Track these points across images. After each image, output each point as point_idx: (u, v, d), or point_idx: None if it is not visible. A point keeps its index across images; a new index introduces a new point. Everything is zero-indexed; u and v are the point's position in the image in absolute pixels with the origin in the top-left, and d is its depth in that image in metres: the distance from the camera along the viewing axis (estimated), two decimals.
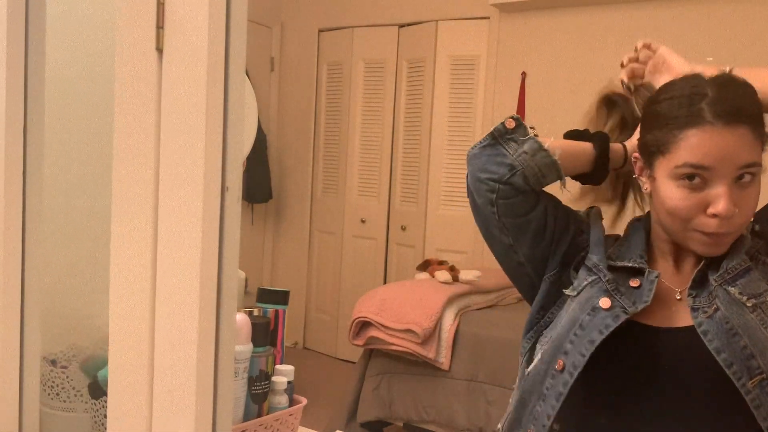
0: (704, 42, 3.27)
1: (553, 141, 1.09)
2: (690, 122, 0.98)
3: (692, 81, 1.02)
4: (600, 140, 1.13)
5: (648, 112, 1.07)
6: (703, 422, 0.99)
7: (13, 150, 0.88)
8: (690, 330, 1.00)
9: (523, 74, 3.76)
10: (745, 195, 0.98)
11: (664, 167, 1.01)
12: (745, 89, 1.00)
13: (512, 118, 1.09)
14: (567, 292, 1.10)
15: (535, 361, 1.09)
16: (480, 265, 3.84)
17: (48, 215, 1.03)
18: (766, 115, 1.01)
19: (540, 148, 1.06)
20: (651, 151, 1.04)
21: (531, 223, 1.09)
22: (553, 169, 1.07)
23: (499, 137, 1.07)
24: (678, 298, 1.04)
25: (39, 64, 0.90)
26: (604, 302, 1.02)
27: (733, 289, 0.99)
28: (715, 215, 0.96)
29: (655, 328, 1.03)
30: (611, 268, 1.07)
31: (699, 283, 1.03)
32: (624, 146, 1.15)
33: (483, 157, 1.08)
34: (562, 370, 1.02)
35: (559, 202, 1.15)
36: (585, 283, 1.07)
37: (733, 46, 3.21)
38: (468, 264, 3.87)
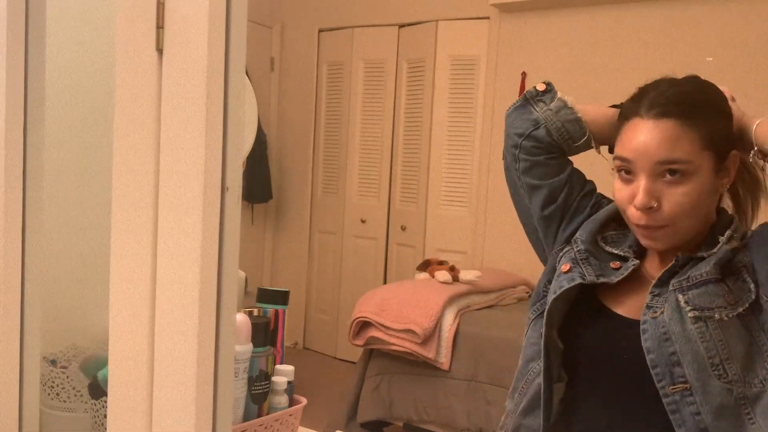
0: (704, 42, 3.27)
1: (581, 104, 1.17)
2: (628, 116, 1.04)
3: (660, 79, 1.06)
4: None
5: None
6: (626, 415, 1.02)
7: (13, 150, 0.88)
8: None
9: (523, 74, 3.76)
10: (672, 191, 0.98)
11: (613, 161, 1.07)
12: (698, 87, 1.02)
13: (544, 82, 1.19)
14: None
15: None
16: (480, 265, 3.84)
17: (48, 215, 1.03)
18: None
19: (564, 105, 1.16)
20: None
21: (544, 188, 1.16)
22: (577, 126, 1.14)
23: (530, 98, 1.18)
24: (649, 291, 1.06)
25: (39, 64, 0.90)
26: (564, 267, 1.10)
27: (681, 297, 0.99)
28: (636, 207, 1.00)
29: (621, 317, 1.06)
30: (600, 249, 1.11)
31: (664, 282, 1.04)
32: None
33: (513, 116, 1.19)
34: (541, 335, 1.09)
35: (590, 185, 1.19)
36: (562, 254, 1.14)
37: (733, 46, 3.21)
38: (468, 264, 3.87)
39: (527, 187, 1.17)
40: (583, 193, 1.17)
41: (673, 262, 1.04)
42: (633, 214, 1.01)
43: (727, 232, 1.03)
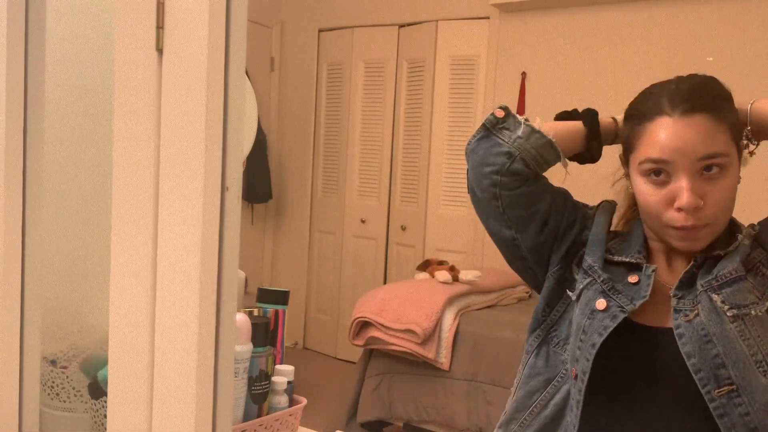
0: (704, 42, 3.27)
1: (544, 123, 1.10)
2: (649, 116, 1.00)
3: (665, 81, 1.04)
4: (589, 116, 1.13)
5: (626, 112, 1.09)
6: (671, 424, 0.99)
7: (13, 150, 0.88)
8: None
9: (523, 74, 3.76)
10: (713, 187, 0.97)
11: (633, 163, 1.03)
12: (707, 80, 1.02)
13: (501, 108, 1.10)
14: (570, 294, 1.10)
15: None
16: (480, 265, 3.84)
17: (48, 215, 1.03)
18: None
19: (533, 130, 1.08)
20: (625, 148, 1.07)
21: (536, 215, 1.09)
22: (550, 149, 1.08)
23: (491, 128, 1.09)
24: (671, 295, 1.04)
25: (39, 64, 0.90)
26: (600, 304, 1.02)
27: (716, 296, 0.97)
28: (680, 209, 0.97)
29: (647, 327, 1.03)
30: (610, 263, 1.07)
31: (686, 284, 1.02)
32: (615, 119, 1.14)
33: (480, 151, 1.09)
34: (576, 377, 1.03)
35: (568, 196, 1.15)
36: (581, 286, 1.07)
37: (733, 46, 3.21)
38: (468, 264, 3.87)
39: (516, 219, 1.09)
40: (569, 209, 1.12)
41: (692, 263, 1.02)
42: (674, 217, 0.98)
43: (746, 229, 1.03)
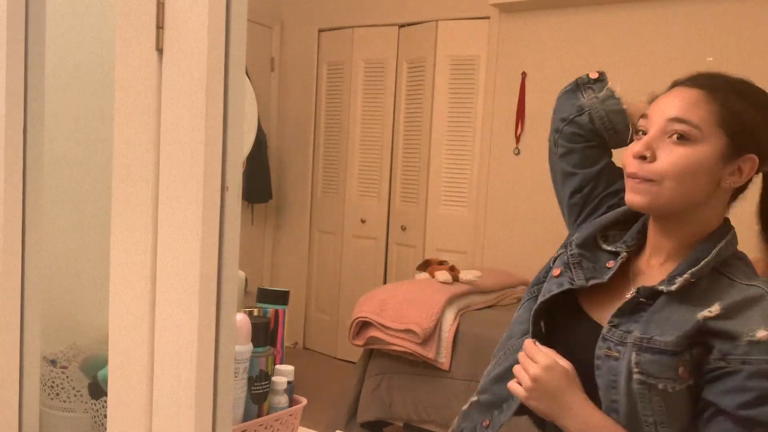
0: (704, 42, 3.27)
1: (628, 97, 1.17)
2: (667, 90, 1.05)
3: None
4: None
5: None
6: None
7: (13, 150, 0.88)
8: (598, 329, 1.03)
9: (523, 74, 3.76)
10: (670, 149, 0.97)
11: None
12: (746, 79, 1.02)
13: (598, 71, 1.21)
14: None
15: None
16: (480, 265, 3.84)
17: (48, 215, 1.03)
18: None
19: (611, 95, 1.16)
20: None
21: (575, 176, 1.18)
22: (621, 117, 1.15)
23: (580, 84, 1.20)
24: (628, 295, 1.02)
25: (39, 63, 0.90)
26: (556, 271, 1.11)
27: (635, 356, 0.95)
28: (634, 156, 1.00)
29: (594, 323, 1.06)
30: (598, 247, 1.11)
31: (624, 313, 1.00)
32: None
33: (562, 99, 1.22)
34: (528, 319, 1.13)
35: (619, 188, 1.14)
36: (556, 255, 1.15)
37: (733, 46, 3.21)
38: (468, 264, 3.87)
39: (561, 172, 1.19)
40: (608, 191, 1.17)
41: (634, 294, 1.00)
42: (628, 164, 1.01)
43: (705, 260, 0.97)
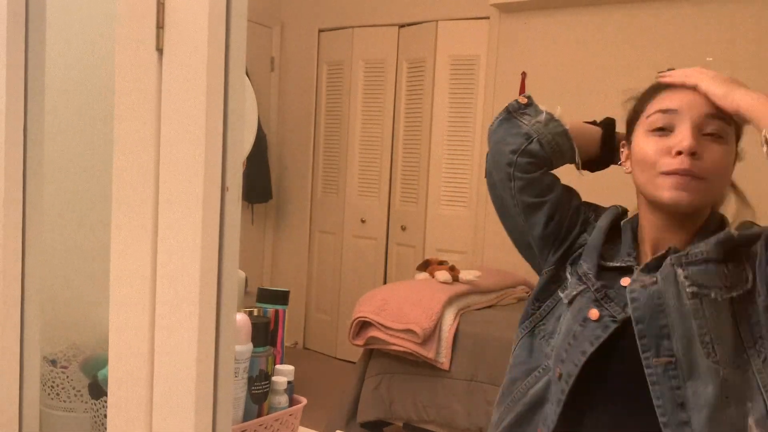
0: (704, 42, 3.27)
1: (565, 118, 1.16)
2: (662, 87, 1.05)
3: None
4: (606, 123, 1.18)
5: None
6: (637, 411, 1.00)
7: (13, 150, 0.88)
8: None
9: (523, 74, 3.76)
10: (712, 148, 0.98)
11: (640, 126, 1.05)
12: None
13: (525, 96, 1.17)
14: (561, 295, 1.12)
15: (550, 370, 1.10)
16: (480, 265, 3.84)
17: (48, 215, 1.03)
18: None
19: (552, 118, 1.13)
20: (631, 120, 1.09)
21: (544, 205, 1.13)
22: (566, 139, 1.13)
23: (513, 112, 1.15)
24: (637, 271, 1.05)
25: (39, 64, 0.90)
26: (593, 314, 1.04)
27: (681, 271, 0.98)
28: (679, 152, 0.98)
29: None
30: (603, 269, 1.08)
31: (652, 268, 1.02)
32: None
33: (501, 131, 1.15)
34: (560, 378, 1.05)
35: (575, 197, 1.17)
36: (575, 292, 1.09)
37: (732, 46, 3.21)
38: (468, 264, 3.87)
39: (524, 206, 1.13)
40: (573, 210, 1.15)
41: (665, 251, 1.03)
42: (669, 162, 0.98)
43: (733, 226, 1.04)
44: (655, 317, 0.97)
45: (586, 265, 1.09)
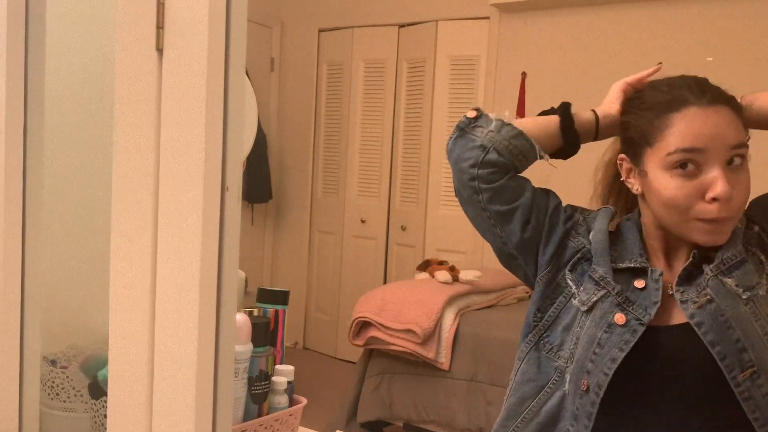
0: (704, 42, 3.27)
1: (517, 118, 1.13)
2: (674, 106, 0.98)
3: (668, 77, 1.05)
4: (561, 107, 1.15)
5: (629, 107, 1.08)
6: (700, 418, 0.98)
7: (13, 150, 0.88)
8: (685, 326, 0.99)
9: (523, 74, 3.76)
10: (739, 178, 0.97)
11: (654, 158, 1.00)
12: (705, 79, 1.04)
13: (473, 109, 1.14)
14: (576, 303, 1.07)
15: (566, 383, 1.06)
16: (480, 265, 3.84)
17: (48, 216, 1.03)
18: None
19: (504, 124, 1.10)
20: (637, 144, 1.03)
21: (516, 211, 1.10)
22: (523, 140, 1.09)
23: (464, 127, 1.12)
24: (670, 293, 1.03)
25: (39, 64, 0.90)
26: (619, 318, 1.01)
27: (729, 280, 0.98)
28: (714, 199, 0.94)
29: (655, 328, 1.01)
30: (615, 270, 1.05)
31: (685, 280, 1.02)
32: (594, 112, 1.14)
33: (457, 149, 1.12)
34: (587, 390, 1.01)
35: (552, 197, 1.14)
36: (595, 298, 1.05)
37: (733, 46, 3.21)
38: (468, 264, 3.87)
39: (497, 215, 1.10)
40: (551, 210, 1.11)
41: (691, 259, 1.01)
42: (707, 209, 0.96)
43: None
44: (727, 334, 0.95)
45: (602, 270, 1.05)
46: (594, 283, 1.06)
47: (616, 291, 1.02)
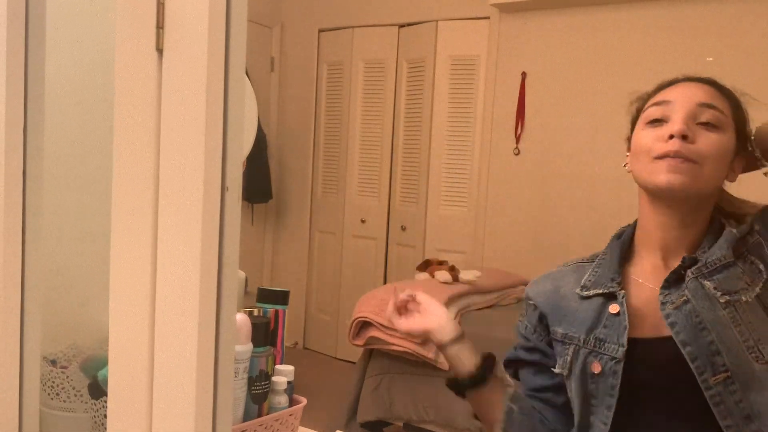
0: (704, 42, 3.27)
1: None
2: (664, 86, 1.06)
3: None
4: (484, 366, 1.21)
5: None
6: (688, 427, 0.98)
7: (13, 150, 0.88)
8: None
9: (523, 74, 3.76)
10: (705, 135, 0.99)
11: (639, 122, 1.07)
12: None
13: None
14: (557, 371, 1.10)
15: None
16: (480, 265, 3.84)
17: (48, 215, 1.03)
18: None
19: (507, 383, 1.17)
20: (634, 120, 1.10)
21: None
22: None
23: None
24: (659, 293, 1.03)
25: (39, 64, 0.90)
26: (596, 367, 1.03)
27: (708, 283, 0.98)
28: (671, 136, 0.98)
29: (646, 340, 1.02)
30: (586, 298, 1.07)
31: (673, 283, 1.01)
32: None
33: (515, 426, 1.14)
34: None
35: (537, 375, 1.16)
36: (568, 357, 1.07)
37: (733, 46, 3.21)
38: (468, 264, 3.87)
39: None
40: (543, 353, 1.15)
41: (680, 263, 1.02)
42: (661, 146, 0.99)
43: (735, 228, 1.04)
44: (700, 336, 0.95)
45: (561, 329, 1.09)
46: (561, 345, 1.09)
47: (583, 340, 1.05)
